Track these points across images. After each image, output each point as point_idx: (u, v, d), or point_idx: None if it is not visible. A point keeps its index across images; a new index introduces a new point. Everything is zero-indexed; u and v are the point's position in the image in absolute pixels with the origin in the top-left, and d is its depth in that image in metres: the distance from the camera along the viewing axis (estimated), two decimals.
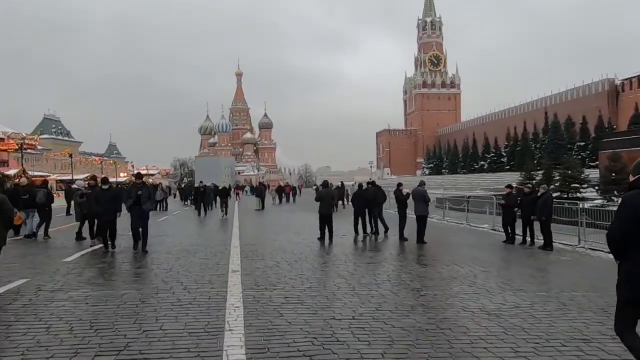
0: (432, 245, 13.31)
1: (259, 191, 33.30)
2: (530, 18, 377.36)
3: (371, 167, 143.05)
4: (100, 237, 12.35)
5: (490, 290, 7.73)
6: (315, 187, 45.20)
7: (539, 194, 14.17)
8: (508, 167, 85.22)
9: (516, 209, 14.53)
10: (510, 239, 14.54)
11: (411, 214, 14.90)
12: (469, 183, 77.35)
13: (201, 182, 31.95)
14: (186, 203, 39.04)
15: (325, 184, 15.55)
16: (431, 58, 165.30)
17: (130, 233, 11.93)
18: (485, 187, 52.33)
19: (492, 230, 18.34)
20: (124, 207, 11.95)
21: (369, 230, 15.85)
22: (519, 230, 14.49)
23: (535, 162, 76.85)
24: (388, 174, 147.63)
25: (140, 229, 11.60)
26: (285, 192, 41.31)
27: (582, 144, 69.09)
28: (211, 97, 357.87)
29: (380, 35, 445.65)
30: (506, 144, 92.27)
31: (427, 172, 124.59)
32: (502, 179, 69.91)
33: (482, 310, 6.41)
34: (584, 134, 70.83)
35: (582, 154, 66.69)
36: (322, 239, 14.21)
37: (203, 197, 25.93)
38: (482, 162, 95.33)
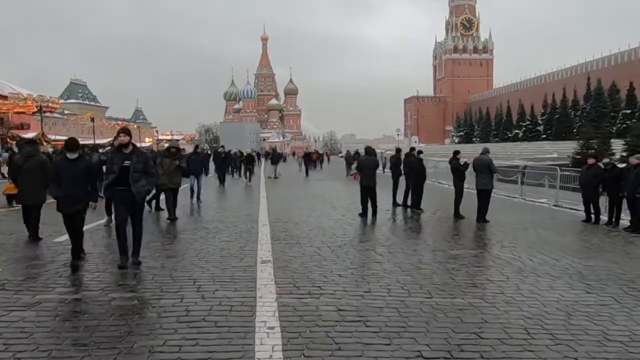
0: (494, 225, 11.06)
1: (274, 157, 31.19)
2: None
3: (398, 134, 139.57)
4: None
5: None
6: (342, 155, 42.66)
7: (627, 167, 11.73)
8: (544, 136, 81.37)
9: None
10: (591, 219, 12.17)
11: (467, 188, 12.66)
12: (505, 152, 73.62)
13: (222, 146, 29.77)
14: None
15: (369, 150, 13.27)
16: (463, 21, 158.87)
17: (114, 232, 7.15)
18: (524, 157, 49.24)
19: (555, 205, 15.91)
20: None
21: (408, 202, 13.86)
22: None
23: (574, 130, 73.29)
24: (415, 142, 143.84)
25: (132, 228, 6.79)
26: (312, 159, 38.99)
27: (628, 111, 64.75)
28: (236, 62, 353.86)
29: None
30: (542, 111, 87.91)
31: (456, 140, 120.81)
32: (540, 148, 66.74)
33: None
34: (630, 100, 66.31)
35: (627, 122, 62.52)
36: (364, 214, 12.08)
37: (223, 164, 23.30)
38: (517, 131, 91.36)
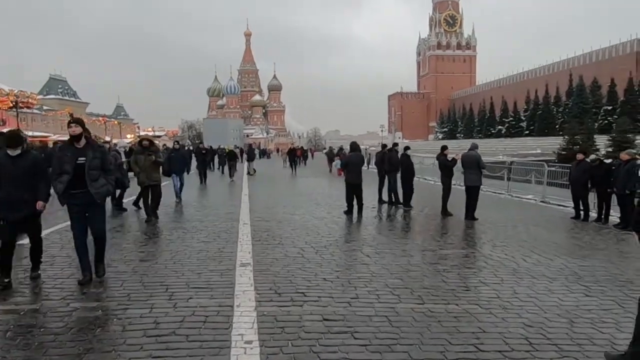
0: (483, 222, 10.77)
1: (249, 154, 30.11)
2: None
3: (382, 130, 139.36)
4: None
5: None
6: (325, 150, 42.05)
7: (617, 163, 11.52)
8: (527, 132, 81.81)
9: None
10: (580, 216, 11.94)
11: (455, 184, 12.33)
12: (489, 148, 73.78)
13: (200, 142, 29.09)
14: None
15: (354, 146, 12.85)
16: (446, 18, 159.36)
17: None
18: (508, 153, 49.31)
19: (542, 202, 15.70)
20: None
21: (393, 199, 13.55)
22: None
23: (557, 126, 73.76)
24: (399, 137, 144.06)
25: (93, 237, 5.80)
26: (296, 155, 38.38)
27: (609, 107, 65.29)
28: (219, 58, 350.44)
29: None
30: (525, 107, 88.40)
31: (440, 137, 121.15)
32: (523, 144, 66.99)
33: None
34: (611, 97, 66.86)
35: (608, 118, 63.06)
36: (349, 212, 11.68)
37: (204, 160, 22.11)
38: (500, 127, 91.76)
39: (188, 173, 12.89)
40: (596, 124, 60.14)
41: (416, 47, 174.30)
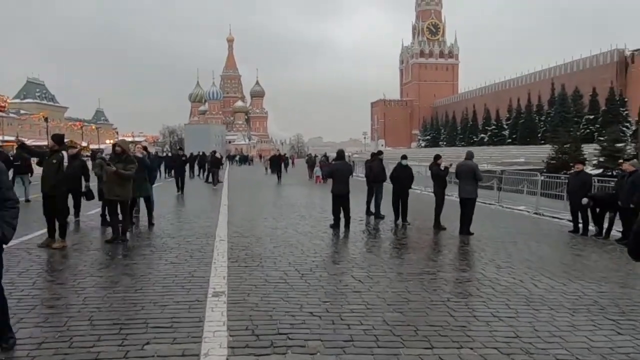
0: (479, 237, 10.00)
1: (213, 162, 26.42)
2: None
3: (365, 137, 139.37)
4: None
5: None
6: (307, 157, 40.99)
7: (621, 174, 10.90)
8: (510, 140, 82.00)
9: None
10: (578, 229, 11.25)
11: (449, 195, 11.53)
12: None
13: (180, 148, 27.67)
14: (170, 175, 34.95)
15: (341, 154, 11.98)
16: (429, 26, 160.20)
17: None
18: (492, 161, 48.98)
19: (535, 214, 15.01)
20: None
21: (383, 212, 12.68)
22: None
23: (539, 135, 73.97)
24: (382, 145, 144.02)
25: None
26: (281, 162, 37.18)
27: (591, 116, 65.63)
28: (202, 64, 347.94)
29: (379, 4, 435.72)
30: (507, 116, 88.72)
31: (422, 144, 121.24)
32: (507, 152, 66.93)
33: None
34: (592, 106, 67.24)
35: (590, 127, 63.34)
36: (336, 226, 10.82)
37: (183, 168, 20.66)
38: (482, 135, 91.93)
39: (152, 184, 11.18)
40: (578, 133, 60.27)
41: (399, 55, 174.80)
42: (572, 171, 12.24)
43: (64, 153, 8.02)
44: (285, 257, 7.60)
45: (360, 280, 6.37)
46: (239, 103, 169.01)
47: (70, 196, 9.16)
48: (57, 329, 4.40)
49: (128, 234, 8.89)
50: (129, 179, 8.40)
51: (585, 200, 10.83)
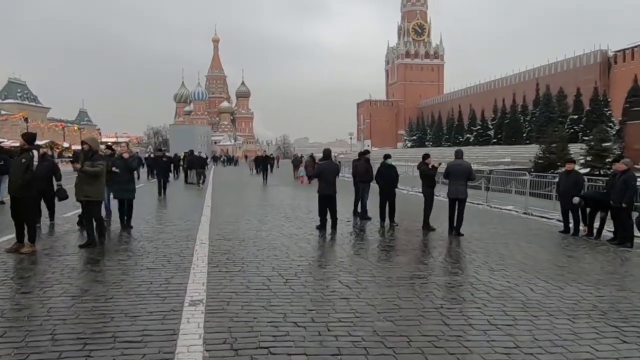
0: (470, 238, 9.73)
1: (191, 162, 25.65)
2: None
3: (350, 138, 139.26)
4: None
5: None
6: (293, 157, 40.62)
7: (612, 173, 10.72)
8: (495, 140, 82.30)
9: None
10: (569, 230, 11.05)
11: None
12: None
13: (159, 149, 26.84)
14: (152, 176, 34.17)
15: (327, 154, 11.62)
16: (415, 27, 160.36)
17: None
18: (479, 161, 48.96)
19: (524, 214, 14.80)
20: None
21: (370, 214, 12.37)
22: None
23: (524, 135, 74.35)
24: (368, 145, 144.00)
25: None
26: (268, 163, 36.36)
27: (575, 116, 66.04)
28: (187, 64, 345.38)
29: (365, 4, 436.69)
30: (493, 116, 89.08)
31: (409, 145, 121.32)
32: (493, 152, 67.14)
33: None
34: (577, 106, 67.69)
35: (574, 127, 63.73)
36: (322, 227, 10.47)
37: (165, 169, 19.67)
38: (468, 135, 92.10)
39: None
40: (563, 133, 60.63)
41: (385, 56, 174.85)
42: (563, 170, 11.97)
43: (35, 152, 7.51)
44: (269, 261, 7.22)
45: (348, 285, 6.02)
46: (225, 104, 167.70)
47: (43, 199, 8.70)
48: (15, 345, 3.98)
49: (103, 238, 8.38)
50: (97, 176, 7.87)
51: (576, 200, 10.63)
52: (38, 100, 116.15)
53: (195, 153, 27.71)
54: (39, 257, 7.26)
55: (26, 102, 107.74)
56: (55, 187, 9.51)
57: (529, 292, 5.95)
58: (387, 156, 12.17)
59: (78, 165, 7.75)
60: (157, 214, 13.15)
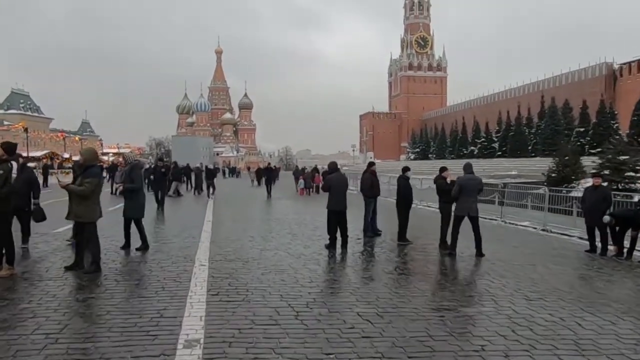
0: (493, 260, 8.92)
1: (176, 173, 24.91)
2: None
3: (353, 150, 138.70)
4: None
5: None
6: (294, 169, 40.04)
7: None
8: (499, 153, 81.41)
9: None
10: (596, 249, 10.27)
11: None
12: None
13: (160, 159, 25.98)
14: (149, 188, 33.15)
15: (334, 167, 10.84)
16: (417, 39, 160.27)
17: None
18: (485, 174, 48.09)
19: (543, 230, 14.00)
20: None
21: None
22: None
23: (530, 147, 73.49)
24: (371, 157, 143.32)
25: None
26: (272, 174, 35.32)
27: (582, 129, 65.19)
28: (190, 75, 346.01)
29: (366, 17, 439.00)
30: (497, 128, 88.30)
31: (412, 157, 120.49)
32: (499, 165, 66.22)
33: None
34: (583, 118, 66.84)
35: (581, 140, 62.86)
36: (332, 246, 9.67)
37: (163, 181, 18.85)
38: (472, 147, 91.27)
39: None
40: (569, 146, 59.90)
41: (388, 68, 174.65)
42: (589, 186, 11.18)
43: (14, 164, 6.73)
44: (276, 288, 6.41)
45: (369, 320, 5.20)
46: (227, 115, 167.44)
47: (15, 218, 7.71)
48: None
49: (92, 265, 7.21)
50: (85, 196, 6.94)
51: (607, 219, 9.84)
52: (41, 111, 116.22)
53: (197, 165, 27.27)
54: (17, 282, 6.45)
55: (29, 113, 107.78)
56: (32, 207, 8.41)
57: (578, 329, 5.13)
58: (406, 169, 11.45)
59: (64, 182, 6.93)
60: (153, 231, 12.16)
